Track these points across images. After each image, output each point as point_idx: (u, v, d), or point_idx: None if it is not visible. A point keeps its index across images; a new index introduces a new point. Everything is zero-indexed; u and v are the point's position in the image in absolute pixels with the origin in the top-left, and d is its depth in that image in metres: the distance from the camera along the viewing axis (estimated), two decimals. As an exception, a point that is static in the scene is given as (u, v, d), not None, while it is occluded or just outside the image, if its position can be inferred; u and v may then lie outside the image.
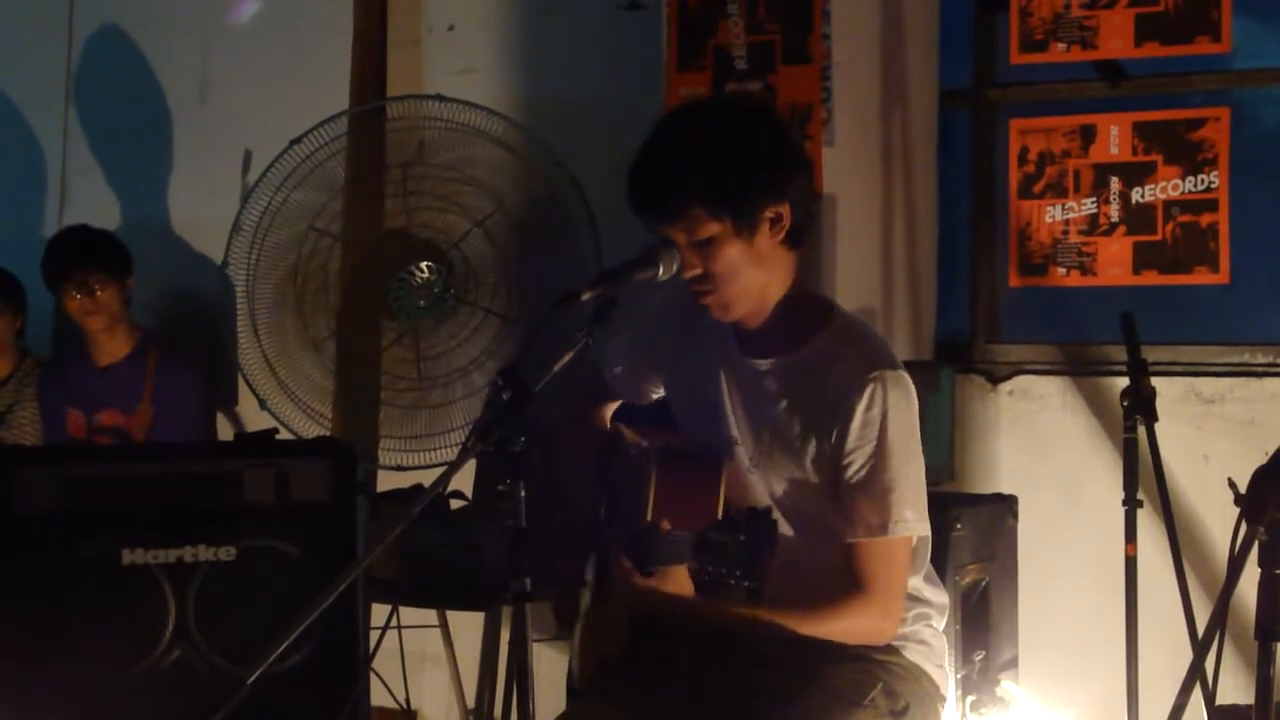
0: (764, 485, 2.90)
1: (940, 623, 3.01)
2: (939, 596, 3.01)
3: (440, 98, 4.84)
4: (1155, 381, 3.65)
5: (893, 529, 2.77)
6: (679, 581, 2.70)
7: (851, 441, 2.79)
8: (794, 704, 2.76)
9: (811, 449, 2.84)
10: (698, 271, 2.80)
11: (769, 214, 2.81)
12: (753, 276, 2.83)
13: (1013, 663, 4.03)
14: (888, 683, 2.85)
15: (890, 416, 2.78)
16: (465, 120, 4.79)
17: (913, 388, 2.85)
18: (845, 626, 2.81)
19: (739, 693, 2.87)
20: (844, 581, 2.79)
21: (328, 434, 4.82)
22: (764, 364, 2.91)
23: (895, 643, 2.92)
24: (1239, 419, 4.28)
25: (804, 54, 4.25)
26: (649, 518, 2.78)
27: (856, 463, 2.79)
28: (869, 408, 2.78)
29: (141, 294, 5.19)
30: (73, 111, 5.83)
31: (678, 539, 2.62)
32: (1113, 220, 4.48)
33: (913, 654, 2.93)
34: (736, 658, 2.88)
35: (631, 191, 2.83)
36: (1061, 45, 4.52)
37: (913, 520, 2.80)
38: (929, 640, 2.97)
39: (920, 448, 2.85)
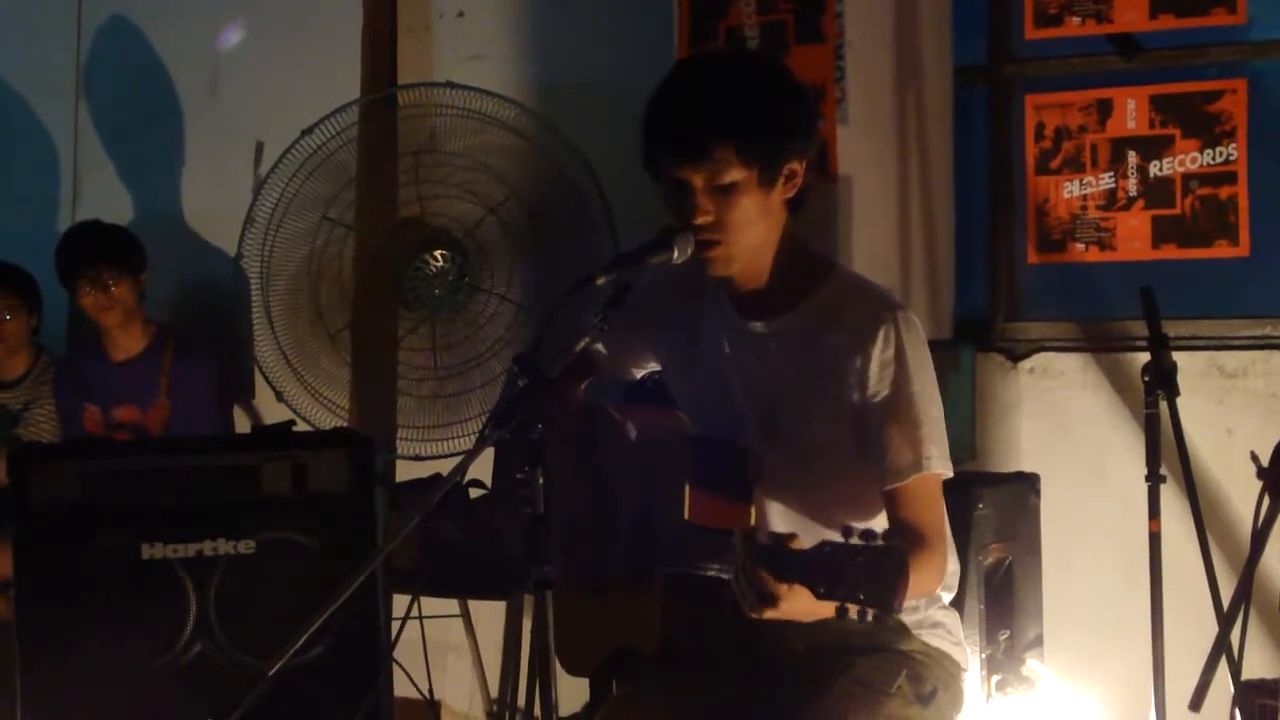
0: (778, 456, 2.86)
1: (950, 595, 2.98)
2: (950, 563, 2.92)
3: (451, 85, 4.83)
4: (1176, 356, 3.62)
5: (925, 465, 2.73)
6: (803, 599, 2.43)
7: (873, 385, 2.76)
8: (824, 696, 2.75)
9: (826, 405, 2.81)
10: (709, 219, 2.74)
11: (788, 169, 2.79)
12: (760, 231, 2.79)
13: (1037, 641, 4.02)
14: (912, 669, 2.84)
15: (907, 355, 2.76)
16: (477, 107, 4.78)
17: (921, 329, 2.82)
18: (918, 580, 2.62)
19: (770, 687, 2.86)
20: (901, 539, 2.66)
21: (345, 425, 4.81)
22: (766, 326, 2.88)
23: (913, 629, 2.90)
24: (1262, 393, 4.26)
25: (817, 33, 4.23)
26: (686, 516, 2.76)
27: (881, 405, 2.75)
28: (885, 349, 2.75)
29: (155, 288, 5.19)
30: (83, 106, 5.83)
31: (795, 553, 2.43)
32: (1131, 195, 4.45)
33: (930, 637, 2.92)
34: (768, 653, 2.87)
35: (657, 126, 2.78)
36: (1076, 19, 4.49)
37: (938, 458, 2.76)
38: (942, 620, 2.95)
39: (937, 387, 2.82)
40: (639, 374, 3.23)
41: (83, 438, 5.02)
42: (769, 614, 2.46)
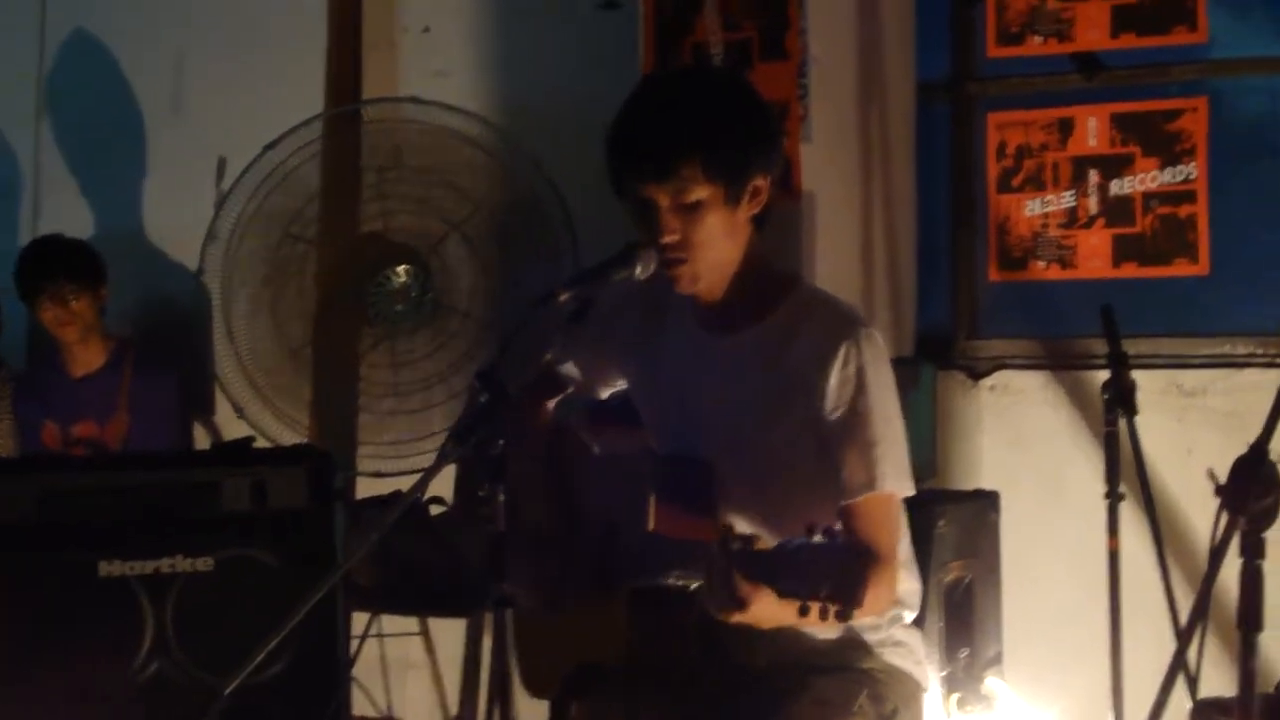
0: (739, 472, 2.85)
1: (912, 615, 2.97)
2: (910, 582, 2.94)
3: (416, 100, 4.82)
4: (1136, 374, 3.64)
5: (878, 484, 2.72)
6: (768, 602, 2.41)
7: (831, 401, 2.75)
8: (784, 715, 2.74)
9: (789, 420, 2.80)
10: (675, 238, 2.75)
11: (753, 186, 2.79)
12: (725, 248, 2.80)
13: (997, 659, 4.02)
14: (873, 689, 2.84)
15: (867, 373, 2.75)
16: (441, 122, 4.77)
17: (884, 346, 2.82)
18: (869, 598, 2.64)
19: (732, 703, 2.85)
20: None
21: (305, 441, 4.79)
22: (730, 340, 2.88)
23: (874, 648, 2.90)
24: (1221, 411, 4.27)
25: (781, 50, 4.23)
26: (651, 527, 2.75)
27: (839, 422, 2.74)
28: (845, 365, 2.74)
29: (116, 303, 5.16)
30: (45, 121, 5.80)
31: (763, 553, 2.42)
32: (1092, 213, 4.47)
33: (891, 656, 2.91)
34: (730, 665, 2.86)
35: (622, 145, 2.78)
36: (1038, 38, 4.51)
37: (894, 477, 2.75)
38: (904, 639, 2.95)
39: (899, 405, 2.81)
40: (605, 392, 3.22)
41: (40, 453, 4.99)
42: (737, 616, 2.45)
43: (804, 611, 2.27)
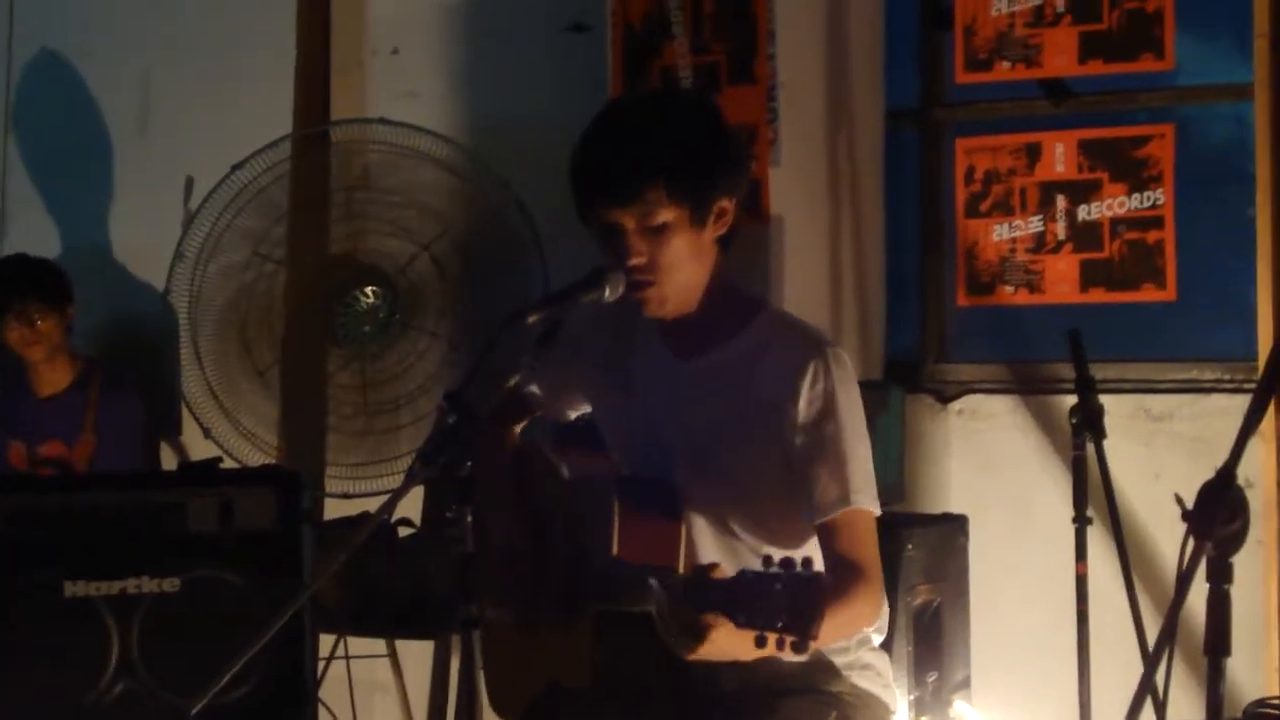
0: (708, 493, 2.85)
1: (880, 637, 2.98)
2: None
3: (384, 121, 4.82)
4: (1104, 399, 3.65)
5: (853, 499, 2.73)
6: (731, 634, 2.42)
7: (801, 421, 2.75)
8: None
9: (756, 442, 2.80)
10: (642, 260, 2.75)
11: (718, 207, 2.79)
12: (692, 270, 2.80)
13: (965, 683, 4.02)
14: (841, 712, 2.83)
15: (837, 392, 2.75)
16: (410, 144, 4.77)
17: (851, 367, 2.82)
18: (854, 614, 2.71)
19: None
20: (836, 572, 2.67)
21: (273, 462, 4.78)
22: (697, 363, 2.88)
23: (842, 671, 2.89)
24: (1189, 436, 4.29)
25: (749, 75, 4.25)
26: (615, 552, 2.75)
27: (809, 441, 2.75)
28: (813, 385, 2.75)
29: (83, 322, 5.14)
30: (11, 140, 5.78)
31: (717, 584, 2.43)
32: (1059, 238, 4.49)
33: (859, 679, 2.91)
34: (697, 692, 2.85)
35: (586, 168, 2.78)
36: (1006, 64, 4.53)
37: (865, 494, 2.76)
38: (872, 662, 2.94)
39: (865, 426, 2.81)
40: (572, 415, 3.22)
41: (6, 473, 4.96)
42: (700, 652, 2.45)
43: (761, 642, 2.27)
